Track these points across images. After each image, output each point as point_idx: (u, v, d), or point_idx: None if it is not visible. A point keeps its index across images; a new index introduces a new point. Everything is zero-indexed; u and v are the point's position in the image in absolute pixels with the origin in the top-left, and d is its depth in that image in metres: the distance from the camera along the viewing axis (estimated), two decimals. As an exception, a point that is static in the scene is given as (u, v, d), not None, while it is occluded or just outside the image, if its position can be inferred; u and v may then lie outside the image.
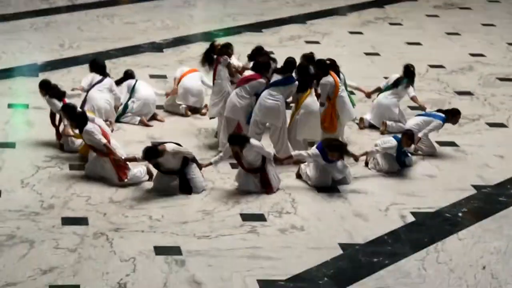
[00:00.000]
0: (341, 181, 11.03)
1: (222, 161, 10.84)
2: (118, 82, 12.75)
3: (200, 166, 10.75)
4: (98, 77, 12.28)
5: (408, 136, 11.33)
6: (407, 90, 12.73)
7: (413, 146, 11.62)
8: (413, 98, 12.78)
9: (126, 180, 10.61)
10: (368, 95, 13.18)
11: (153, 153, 10.28)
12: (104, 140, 10.63)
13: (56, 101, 11.51)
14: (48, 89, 11.56)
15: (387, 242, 9.73)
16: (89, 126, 10.64)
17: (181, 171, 10.51)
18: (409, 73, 12.77)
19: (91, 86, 12.20)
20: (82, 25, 17.43)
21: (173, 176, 10.53)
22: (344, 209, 10.45)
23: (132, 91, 12.70)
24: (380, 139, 11.63)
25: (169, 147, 10.39)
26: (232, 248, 9.42)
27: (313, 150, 10.85)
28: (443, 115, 12.06)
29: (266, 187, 10.67)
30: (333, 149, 10.77)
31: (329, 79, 11.65)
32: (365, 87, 13.30)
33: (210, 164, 10.78)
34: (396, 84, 12.75)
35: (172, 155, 10.39)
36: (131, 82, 12.78)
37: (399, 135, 11.43)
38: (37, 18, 17.78)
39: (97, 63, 12.51)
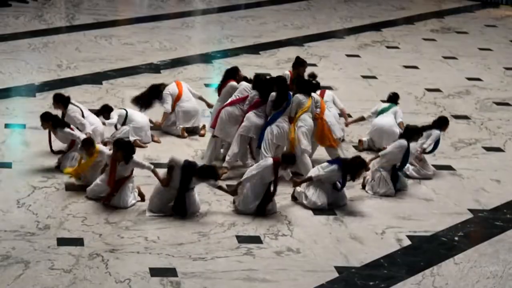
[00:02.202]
0: (336, 203, 11.02)
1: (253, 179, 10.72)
2: (97, 114, 12.59)
3: (231, 193, 10.72)
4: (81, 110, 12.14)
5: (420, 133, 11.64)
6: (397, 112, 12.82)
7: (418, 152, 11.82)
8: (399, 124, 12.78)
9: (106, 202, 10.59)
10: (347, 124, 13.18)
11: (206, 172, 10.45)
12: (151, 166, 10.67)
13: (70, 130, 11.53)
14: (54, 120, 11.53)
15: (383, 266, 9.71)
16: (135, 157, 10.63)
17: (181, 192, 10.47)
18: (391, 99, 12.92)
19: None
20: (80, 46, 17.46)
21: (174, 196, 10.48)
22: (340, 232, 10.44)
23: (125, 119, 12.67)
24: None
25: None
26: (228, 270, 9.40)
27: (333, 167, 10.85)
28: (436, 130, 12.15)
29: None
30: (360, 167, 10.82)
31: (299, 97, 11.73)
32: (362, 109, 13.34)
33: (240, 183, 10.72)
34: (388, 108, 12.81)
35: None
36: (121, 112, 12.73)
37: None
38: (35, 39, 17.82)
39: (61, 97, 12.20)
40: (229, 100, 12.02)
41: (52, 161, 11.68)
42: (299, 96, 11.76)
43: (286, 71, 13.04)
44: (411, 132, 11.64)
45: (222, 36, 18.94)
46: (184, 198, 10.50)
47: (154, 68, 16.25)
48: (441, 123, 12.30)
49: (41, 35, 18.13)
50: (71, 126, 11.64)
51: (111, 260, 9.44)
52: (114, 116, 12.58)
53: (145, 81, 15.31)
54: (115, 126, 12.70)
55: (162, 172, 10.61)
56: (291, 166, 10.79)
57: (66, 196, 10.90)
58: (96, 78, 15.37)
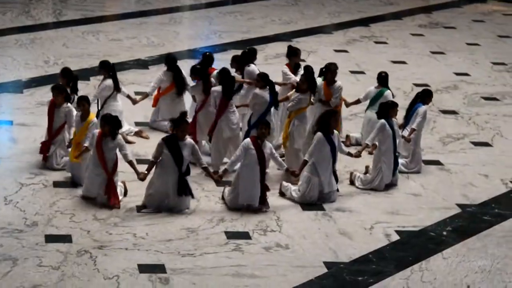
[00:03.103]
0: (326, 199, 11.03)
1: (238, 162, 10.72)
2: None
3: (215, 178, 10.66)
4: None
5: (395, 105, 11.52)
6: (386, 97, 12.69)
7: (406, 135, 11.82)
8: None
9: (116, 206, 10.53)
10: (348, 105, 13.13)
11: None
12: (130, 157, 10.65)
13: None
14: (67, 94, 11.53)
15: (372, 261, 9.73)
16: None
17: (181, 177, 10.45)
18: (382, 79, 12.77)
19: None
20: (67, 42, 17.41)
21: (168, 189, 10.46)
22: (329, 227, 10.45)
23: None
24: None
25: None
26: (217, 266, 9.40)
27: (316, 136, 10.87)
28: (419, 103, 12.11)
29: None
30: (331, 114, 10.92)
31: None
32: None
33: (226, 171, 10.72)
34: (378, 96, 12.74)
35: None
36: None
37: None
38: (22, 35, 17.75)
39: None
40: (200, 104, 12.08)
41: (39, 157, 11.62)
42: (301, 96, 11.65)
43: (284, 67, 12.99)
44: (385, 108, 11.51)
45: (210, 32, 18.92)
46: (185, 180, 10.47)
47: (142, 64, 16.21)
48: (424, 96, 12.21)
49: (28, 31, 18.07)
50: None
51: (100, 256, 9.42)
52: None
53: (133, 77, 15.29)
54: None
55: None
56: (266, 130, 10.60)
57: (54, 193, 10.87)
58: (84, 74, 15.30)
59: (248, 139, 10.74)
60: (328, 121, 10.93)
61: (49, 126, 11.57)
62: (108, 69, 12.51)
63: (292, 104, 11.67)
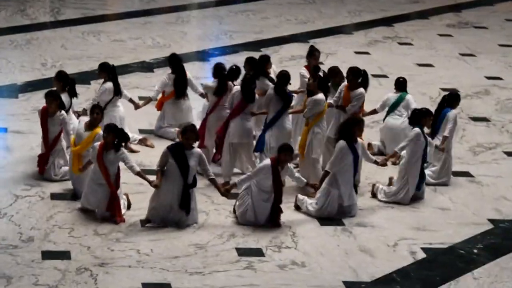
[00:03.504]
0: (345, 213, 11.04)
1: (250, 180, 10.75)
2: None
3: (222, 190, 10.68)
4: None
5: (429, 114, 11.51)
6: (409, 102, 12.72)
7: (438, 144, 11.82)
8: None
9: (120, 222, 10.56)
10: (363, 115, 13.14)
11: None
12: (137, 168, 10.62)
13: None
14: (61, 101, 11.59)
15: (396, 281, 9.73)
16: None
17: (186, 189, 10.50)
18: (401, 85, 12.81)
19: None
20: (66, 43, 17.50)
21: (173, 200, 10.49)
22: (349, 244, 10.46)
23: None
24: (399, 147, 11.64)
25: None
26: (227, 286, 9.41)
27: (339, 144, 10.85)
28: (447, 108, 12.09)
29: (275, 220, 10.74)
30: (356, 123, 10.93)
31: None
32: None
33: (235, 185, 10.76)
34: (398, 102, 12.77)
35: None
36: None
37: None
38: (17, 35, 17.86)
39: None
40: (211, 106, 12.16)
41: (35, 168, 11.68)
42: (318, 97, 11.66)
43: (302, 69, 13.05)
44: (418, 116, 11.51)
45: (220, 32, 18.98)
46: (189, 194, 10.50)
47: (147, 67, 16.29)
48: (451, 99, 12.22)
49: (24, 31, 18.17)
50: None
51: (101, 275, 9.45)
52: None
53: (137, 81, 15.35)
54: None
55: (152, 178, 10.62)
56: (289, 157, 10.65)
57: (52, 206, 10.92)
58: (84, 78, 15.39)
59: (268, 163, 10.67)
60: (352, 129, 10.93)
61: (44, 137, 11.60)
62: (108, 72, 12.57)
63: (307, 110, 11.68)
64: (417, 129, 11.43)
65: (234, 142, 11.76)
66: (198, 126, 13.00)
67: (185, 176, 10.46)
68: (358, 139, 11.02)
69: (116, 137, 10.55)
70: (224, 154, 11.84)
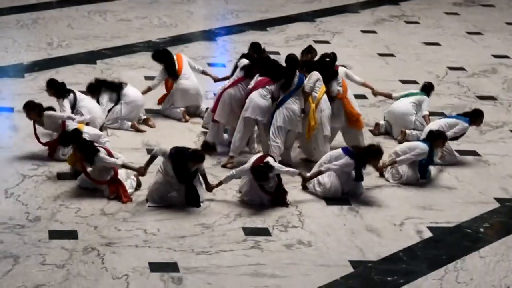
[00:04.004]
0: (352, 192, 11.03)
1: (234, 179, 10.80)
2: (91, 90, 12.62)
3: (209, 187, 10.70)
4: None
5: (443, 138, 11.44)
6: (421, 101, 12.69)
7: (439, 149, 11.71)
8: (424, 117, 12.68)
9: (127, 202, 10.56)
10: (375, 93, 13.11)
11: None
12: (119, 162, 10.59)
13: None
14: (39, 107, 11.54)
15: (402, 260, 9.73)
16: (101, 153, 10.52)
17: (190, 182, 10.47)
18: (425, 88, 12.87)
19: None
20: (72, 22, 17.47)
21: (174, 185, 10.50)
22: (356, 223, 10.46)
23: (120, 95, 12.66)
24: (399, 146, 11.62)
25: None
26: (234, 265, 9.42)
27: (345, 160, 10.80)
28: (467, 118, 12.11)
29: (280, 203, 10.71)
30: (376, 155, 10.81)
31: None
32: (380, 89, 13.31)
33: (221, 183, 10.76)
34: (416, 94, 12.74)
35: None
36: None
37: (421, 140, 11.50)
38: (23, 14, 17.82)
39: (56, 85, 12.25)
40: (231, 81, 12.01)
41: (42, 148, 11.68)
42: (317, 72, 11.64)
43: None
44: (436, 137, 11.47)
45: (226, 11, 18.92)
46: (194, 187, 10.49)
47: (153, 46, 16.22)
48: (473, 116, 12.19)
49: (30, 10, 18.13)
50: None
51: (108, 254, 9.47)
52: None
53: (143, 61, 15.32)
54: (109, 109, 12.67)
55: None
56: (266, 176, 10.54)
57: (58, 185, 10.93)
58: (90, 57, 15.38)
59: (248, 167, 10.55)
60: (368, 159, 10.84)
61: (50, 141, 11.60)
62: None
63: (308, 84, 11.58)
64: (425, 147, 11.34)
65: (247, 116, 11.64)
66: (205, 106, 13.08)
67: (182, 181, 10.46)
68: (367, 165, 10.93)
69: (82, 152, 10.54)
70: (237, 128, 11.76)
